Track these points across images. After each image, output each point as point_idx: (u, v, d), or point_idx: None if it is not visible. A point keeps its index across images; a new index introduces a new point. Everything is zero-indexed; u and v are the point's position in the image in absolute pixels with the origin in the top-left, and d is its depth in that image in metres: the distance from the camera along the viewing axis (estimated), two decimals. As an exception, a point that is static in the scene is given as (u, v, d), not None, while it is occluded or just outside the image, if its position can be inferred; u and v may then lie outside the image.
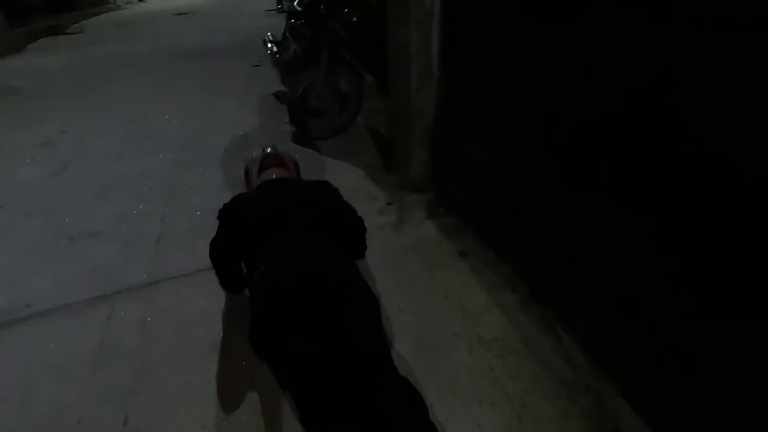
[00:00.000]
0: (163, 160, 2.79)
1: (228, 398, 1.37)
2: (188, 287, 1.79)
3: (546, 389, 1.37)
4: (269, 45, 3.60)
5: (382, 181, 2.48)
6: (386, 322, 1.29)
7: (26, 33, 6.05)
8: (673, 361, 1.10)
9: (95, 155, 2.89)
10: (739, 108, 0.87)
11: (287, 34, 3.49)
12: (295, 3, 3.47)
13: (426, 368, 1.43)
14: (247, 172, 1.77)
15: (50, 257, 2.00)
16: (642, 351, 1.19)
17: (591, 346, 1.43)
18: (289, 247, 1.27)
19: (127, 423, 1.31)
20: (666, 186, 1.05)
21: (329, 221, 1.42)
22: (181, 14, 8.06)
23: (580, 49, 1.23)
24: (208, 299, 1.70)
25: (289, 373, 1.13)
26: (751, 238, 0.89)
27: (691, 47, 0.93)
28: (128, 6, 9.87)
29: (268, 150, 1.80)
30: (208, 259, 1.53)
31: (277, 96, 3.68)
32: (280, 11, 7.06)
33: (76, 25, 7.33)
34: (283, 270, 1.20)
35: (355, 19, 2.81)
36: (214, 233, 1.55)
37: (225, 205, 1.52)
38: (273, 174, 1.63)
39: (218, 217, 1.50)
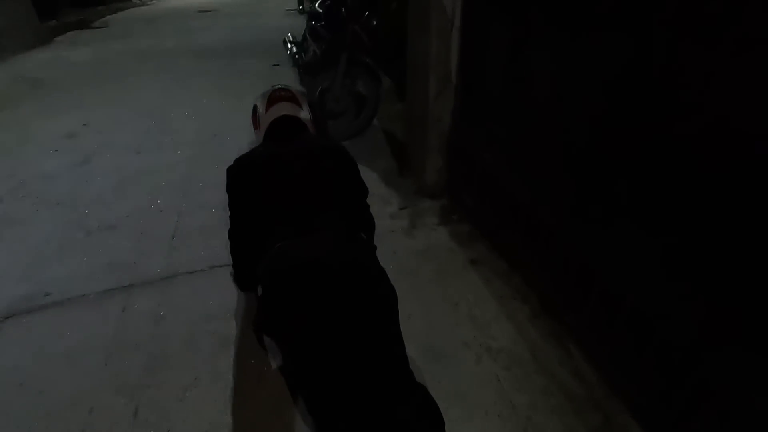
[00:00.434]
0: (181, 156, 2.84)
1: (237, 396, 1.38)
2: (202, 283, 1.82)
3: (553, 403, 1.36)
4: (289, 45, 3.64)
5: (396, 186, 2.49)
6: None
7: (54, 26, 6.21)
8: (687, 384, 1.08)
9: (115, 149, 2.95)
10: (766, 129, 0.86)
11: (307, 35, 3.52)
12: (316, 4, 3.51)
13: (433, 375, 1.43)
14: (254, 110, 1.59)
15: (69, 248, 2.05)
16: (654, 372, 1.18)
17: (601, 362, 1.41)
18: (301, 229, 1.15)
19: (137, 415, 1.34)
20: (687, 206, 1.04)
21: (344, 199, 1.30)
22: (203, 11, 8.19)
23: (603, 63, 1.22)
24: (221, 296, 1.72)
25: (299, 375, 1.11)
26: (771, 263, 0.87)
27: (719, 67, 0.92)
28: (153, 2, 10.06)
29: (279, 85, 1.63)
30: (222, 255, 1.55)
31: (295, 96, 3.71)
32: (300, 12, 7.13)
33: (102, 19, 7.50)
34: (293, 259, 1.09)
35: (375, 22, 2.82)
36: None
37: (228, 172, 1.34)
38: (282, 110, 1.47)
39: (226, 191, 1.36)
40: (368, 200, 1.56)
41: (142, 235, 2.11)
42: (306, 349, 1.05)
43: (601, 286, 1.34)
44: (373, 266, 1.15)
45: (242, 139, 3.02)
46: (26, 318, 1.68)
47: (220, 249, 1.54)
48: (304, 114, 1.53)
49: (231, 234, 1.40)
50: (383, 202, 2.33)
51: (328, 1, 3.28)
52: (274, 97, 1.51)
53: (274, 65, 4.62)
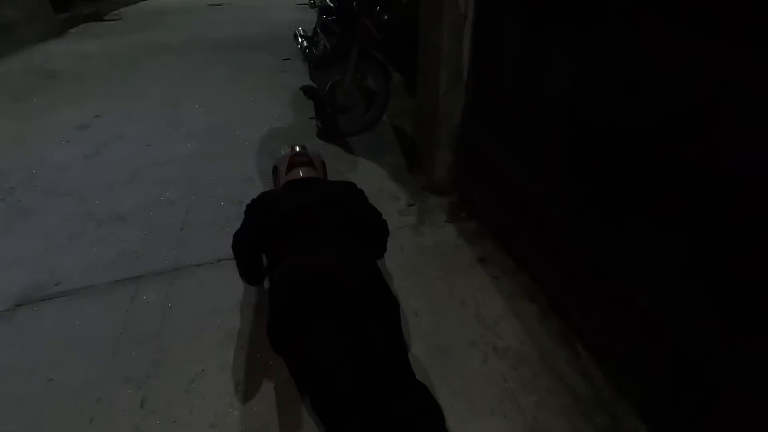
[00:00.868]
0: (190, 149, 2.85)
1: (243, 389, 1.39)
2: (209, 276, 1.83)
3: (560, 404, 1.34)
4: (300, 39, 3.63)
5: (405, 182, 2.47)
6: (402, 325, 1.29)
7: (68, 18, 6.25)
8: (697, 388, 1.06)
9: (126, 141, 2.97)
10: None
11: (318, 30, 3.50)
12: (328, -1, 3.48)
13: (439, 373, 1.42)
14: (275, 170, 1.80)
15: (79, 238, 2.07)
16: (665, 374, 1.16)
17: (610, 364, 1.39)
18: (313, 246, 1.28)
19: (144, 405, 1.35)
20: (703, 208, 1.01)
21: (354, 223, 1.43)
22: (215, 5, 8.20)
23: (620, 62, 1.20)
24: (228, 289, 1.73)
25: (305, 372, 1.14)
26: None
27: (737, 67, 0.89)
28: (165, -5, 10.07)
29: (297, 149, 1.83)
30: (230, 249, 1.56)
31: (305, 91, 3.71)
32: (311, 6, 7.09)
33: (115, 12, 7.54)
34: (305, 268, 1.20)
35: (386, 17, 2.80)
36: (236, 224, 1.59)
37: (252, 201, 1.57)
38: (300, 173, 1.65)
39: (245, 212, 1.54)
40: (375, 196, 1.63)
41: (151, 227, 2.13)
42: (314, 347, 1.10)
43: (612, 286, 1.32)
44: (379, 276, 1.26)
45: (252, 132, 3.03)
46: (37, 306, 1.70)
47: (228, 243, 1.55)
48: (319, 174, 1.74)
49: (237, 235, 1.53)
50: (391, 199, 2.32)
51: (340, -4, 3.26)
52: (293, 162, 1.70)
53: (285, 59, 4.62)
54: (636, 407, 1.29)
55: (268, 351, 1.20)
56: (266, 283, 1.62)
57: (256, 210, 1.52)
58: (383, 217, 1.64)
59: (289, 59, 4.57)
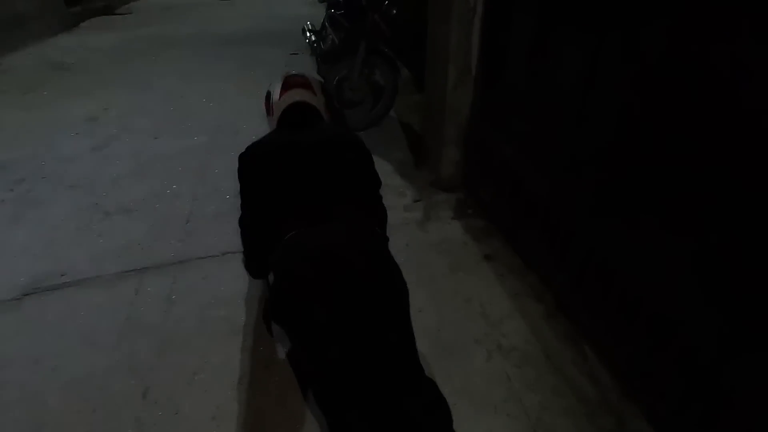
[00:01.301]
0: (197, 143, 2.85)
1: (245, 383, 1.39)
2: (213, 269, 1.83)
3: (565, 405, 1.32)
4: (308, 34, 3.61)
5: (411, 178, 2.45)
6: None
7: (79, 12, 6.29)
8: (707, 392, 1.04)
9: (134, 133, 2.98)
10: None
11: (326, 24, 3.49)
12: (336, -7, 3.46)
13: (442, 371, 1.40)
14: (267, 96, 1.54)
15: (86, 229, 2.08)
16: (674, 378, 1.13)
17: (617, 365, 1.37)
18: (316, 218, 1.13)
19: (147, 396, 1.35)
20: (717, 208, 0.98)
21: (360, 192, 1.28)
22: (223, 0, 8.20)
23: (633, 58, 1.17)
24: (232, 282, 1.73)
25: (310, 363, 1.09)
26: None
27: (754, 64, 0.86)
28: (175, -11, 10.10)
29: (293, 72, 1.58)
30: (234, 242, 1.55)
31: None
32: (320, 0, 7.07)
33: (126, 5, 7.57)
34: (307, 249, 1.07)
35: (395, 11, 2.77)
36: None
37: (240, 160, 1.30)
38: (296, 96, 1.42)
39: (238, 179, 1.32)
40: (382, 191, 1.52)
41: (157, 219, 2.13)
42: (317, 338, 1.03)
43: (622, 286, 1.29)
44: (389, 259, 1.13)
45: (259, 126, 3.01)
46: (43, 296, 1.71)
47: (233, 236, 1.53)
48: (319, 101, 1.49)
49: (242, 221, 1.37)
50: (397, 194, 2.31)
51: (348, -10, 3.23)
52: (289, 83, 1.46)
53: (293, 53, 4.60)
54: (643, 411, 1.27)
55: (271, 345, 1.19)
56: (270, 276, 1.61)
57: (249, 177, 1.29)
58: (388, 213, 1.57)
59: (297, 54, 4.56)
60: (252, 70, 4.22)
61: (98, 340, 1.53)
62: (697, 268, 1.06)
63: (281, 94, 1.43)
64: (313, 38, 3.49)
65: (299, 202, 1.18)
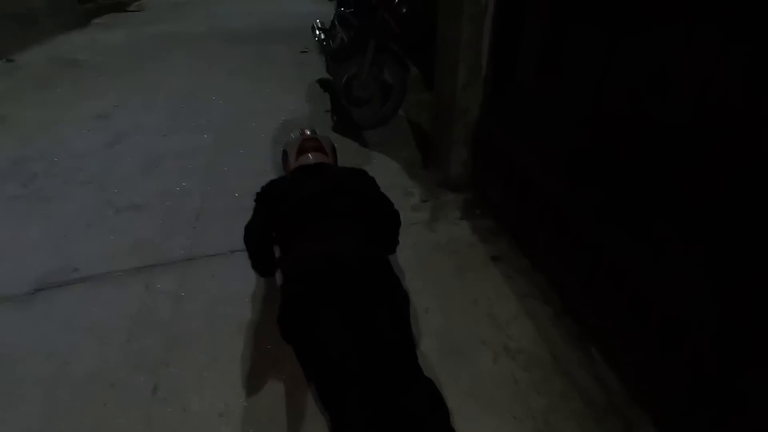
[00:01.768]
0: (207, 140, 2.87)
1: (252, 380, 1.40)
2: (222, 266, 1.84)
3: (572, 408, 1.32)
4: (317, 32, 3.60)
5: (419, 177, 2.45)
6: (412, 321, 1.27)
7: (92, 9, 6.34)
8: (718, 397, 1.03)
9: (144, 130, 3.00)
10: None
11: (335, 22, 3.48)
12: (346, -9, 3.45)
13: (449, 372, 1.41)
14: (284, 155, 1.76)
15: (97, 226, 2.10)
16: (683, 383, 1.12)
17: (626, 369, 1.36)
18: (324, 235, 1.27)
19: (156, 392, 1.37)
20: (731, 211, 0.97)
21: (366, 212, 1.41)
22: (235, -4, 8.22)
23: (647, 60, 1.15)
24: (240, 280, 1.74)
25: (313, 361, 1.14)
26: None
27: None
28: (186, -13, 10.15)
29: (307, 132, 1.77)
30: (242, 241, 1.56)
31: (322, 83, 3.70)
32: (330, -2, 7.07)
33: (138, 2, 7.62)
34: (316, 258, 1.20)
35: (405, 10, 2.76)
36: (250, 216, 1.58)
37: (262, 188, 1.54)
38: (311, 158, 1.62)
39: (255, 201, 1.52)
40: (388, 190, 1.61)
41: (167, 217, 2.15)
42: (322, 341, 1.10)
43: (631, 289, 1.28)
44: (388, 266, 1.26)
45: (268, 124, 3.03)
46: (55, 291, 1.74)
47: (241, 234, 1.55)
48: (330, 159, 1.70)
49: (248, 227, 1.49)
50: (405, 194, 2.30)
51: (358, -12, 3.22)
52: (303, 147, 1.66)
53: (302, 51, 4.61)
54: (651, 415, 1.26)
55: (278, 343, 1.20)
56: (278, 276, 1.62)
57: (266, 199, 1.50)
58: (397, 210, 1.61)
59: (306, 51, 4.56)
60: (262, 68, 4.23)
61: (109, 336, 1.55)
62: (708, 270, 1.05)
63: (297, 158, 1.64)
64: (322, 36, 3.48)
65: (311, 219, 1.33)
